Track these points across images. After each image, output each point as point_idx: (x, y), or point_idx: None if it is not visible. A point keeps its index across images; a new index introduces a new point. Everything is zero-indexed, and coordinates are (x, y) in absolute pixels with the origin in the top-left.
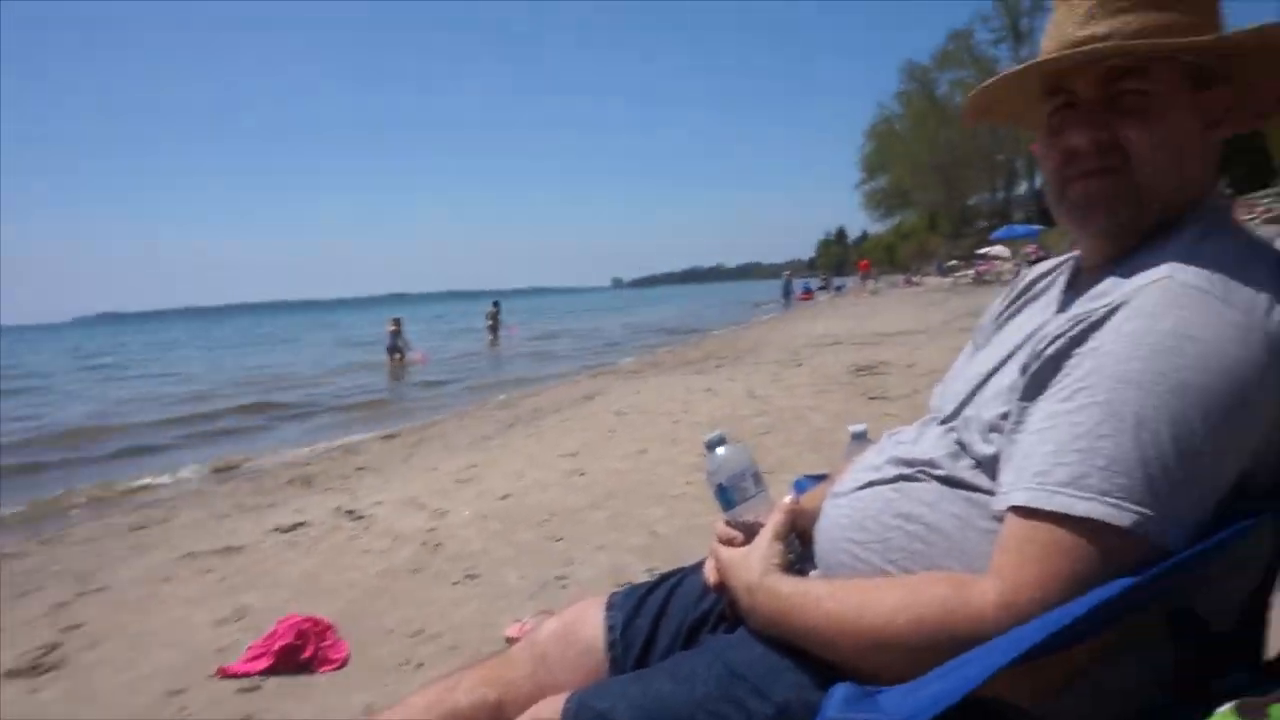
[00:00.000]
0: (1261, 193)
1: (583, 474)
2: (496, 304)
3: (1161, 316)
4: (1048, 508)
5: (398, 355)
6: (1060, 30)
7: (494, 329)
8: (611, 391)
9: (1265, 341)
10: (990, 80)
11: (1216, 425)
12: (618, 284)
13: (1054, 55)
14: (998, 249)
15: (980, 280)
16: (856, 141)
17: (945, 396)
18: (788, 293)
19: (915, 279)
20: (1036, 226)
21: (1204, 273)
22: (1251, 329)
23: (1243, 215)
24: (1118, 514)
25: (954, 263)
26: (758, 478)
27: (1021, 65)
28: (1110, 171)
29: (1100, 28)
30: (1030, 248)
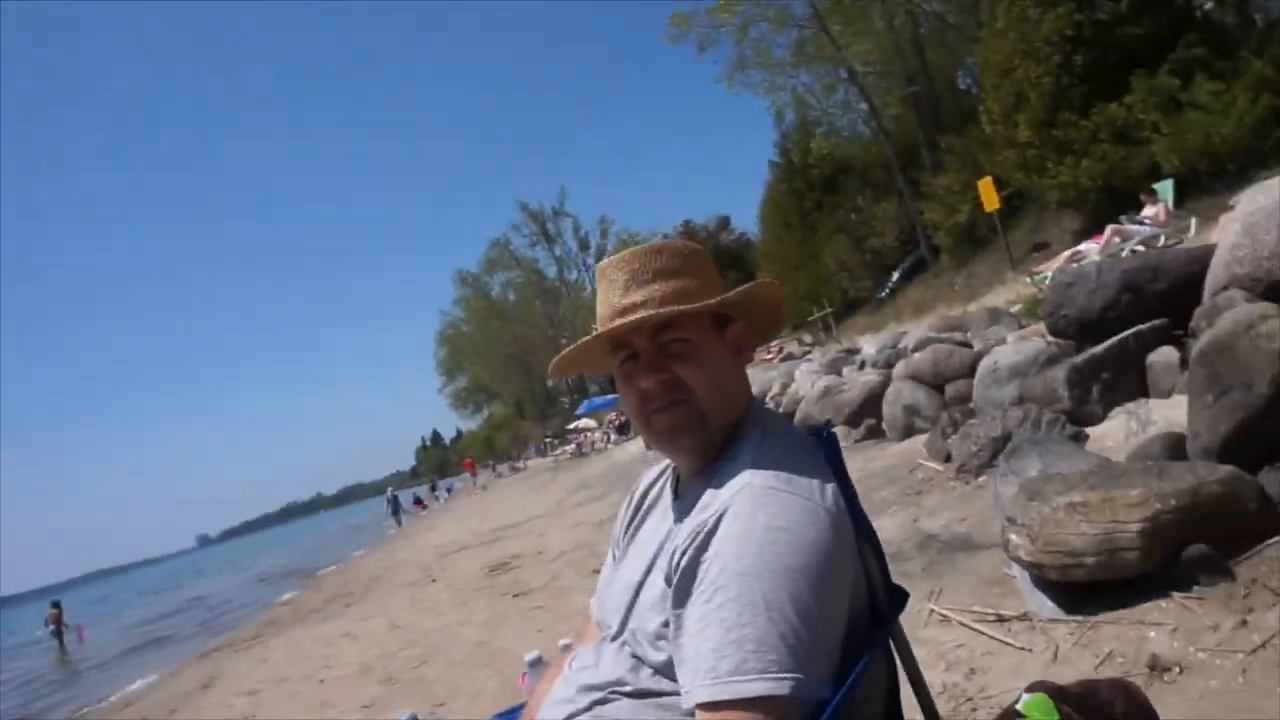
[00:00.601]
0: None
1: None
2: (57, 604)
3: (754, 516)
4: (725, 697)
5: None
6: (608, 300)
7: (59, 634)
8: (232, 670)
9: (829, 517)
10: (564, 351)
11: (820, 592)
12: (205, 541)
13: (607, 328)
14: (585, 421)
15: (580, 453)
16: (431, 348)
17: (606, 611)
18: (396, 509)
19: (519, 465)
20: (613, 395)
21: (771, 473)
22: (817, 509)
23: (764, 355)
24: (778, 685)
25: (550, 440)
26: None
27: (585, 339)
28: (680, 404)
29: (637, 296)
30: (613, 415)
